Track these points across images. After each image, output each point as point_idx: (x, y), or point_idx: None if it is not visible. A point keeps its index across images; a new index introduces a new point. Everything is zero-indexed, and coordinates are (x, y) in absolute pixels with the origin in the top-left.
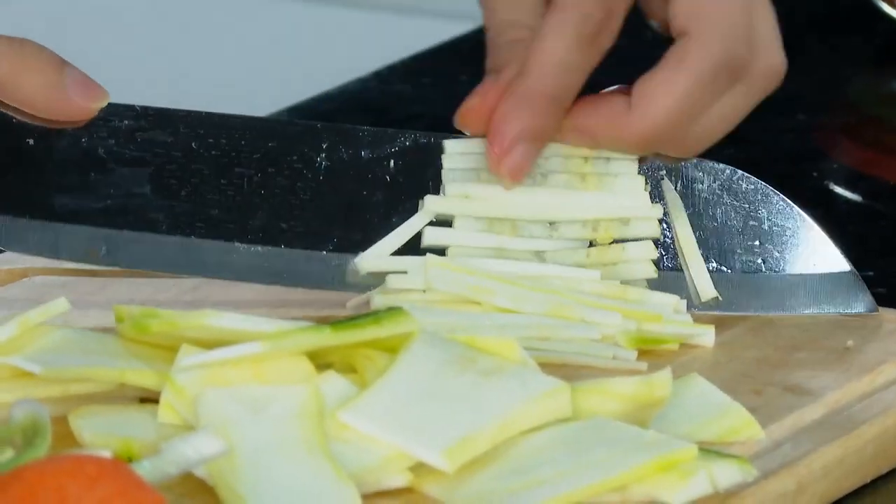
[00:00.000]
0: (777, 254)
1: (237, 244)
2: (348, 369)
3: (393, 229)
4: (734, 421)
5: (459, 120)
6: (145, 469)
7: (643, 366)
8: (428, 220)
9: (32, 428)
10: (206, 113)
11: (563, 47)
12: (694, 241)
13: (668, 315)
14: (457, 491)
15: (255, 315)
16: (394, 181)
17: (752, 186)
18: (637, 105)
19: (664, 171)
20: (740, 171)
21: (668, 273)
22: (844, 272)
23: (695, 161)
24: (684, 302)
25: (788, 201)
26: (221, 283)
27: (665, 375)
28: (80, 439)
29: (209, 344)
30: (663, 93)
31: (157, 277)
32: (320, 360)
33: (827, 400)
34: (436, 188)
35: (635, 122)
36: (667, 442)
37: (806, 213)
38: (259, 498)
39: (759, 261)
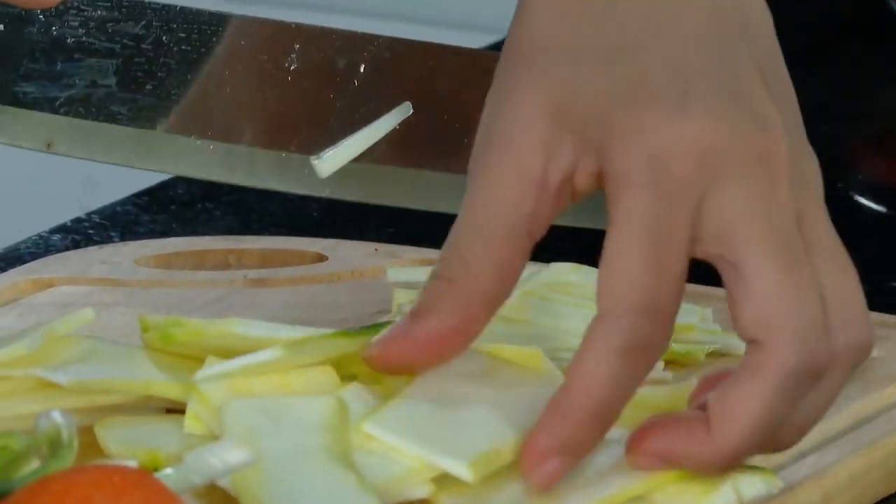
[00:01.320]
0: None
1: (196, 140)
2: (372, 380)
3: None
4: None
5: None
6: (170, 479)
7: (668, 375)
8: (391, 128)
9: (58, 438)
10: (180, 7)
11: (608, 362)
12: None
13: (697, 325)
14: (471, 500)
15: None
16: (363, 87)
17: None
18: (717, 427)
19: None
20: None
21: None
22: None
23: None
24: (709, 310)
25: None
26: (247, 293)
27: (690, 385)
28: (105, 450)
29: (235, 354)
30: (743, 410)
31: (183, 287)
32: (345, 371)
33: (851, 410)
34: (407, 97)
35: (719, 444)
36: None
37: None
38: None
39: None
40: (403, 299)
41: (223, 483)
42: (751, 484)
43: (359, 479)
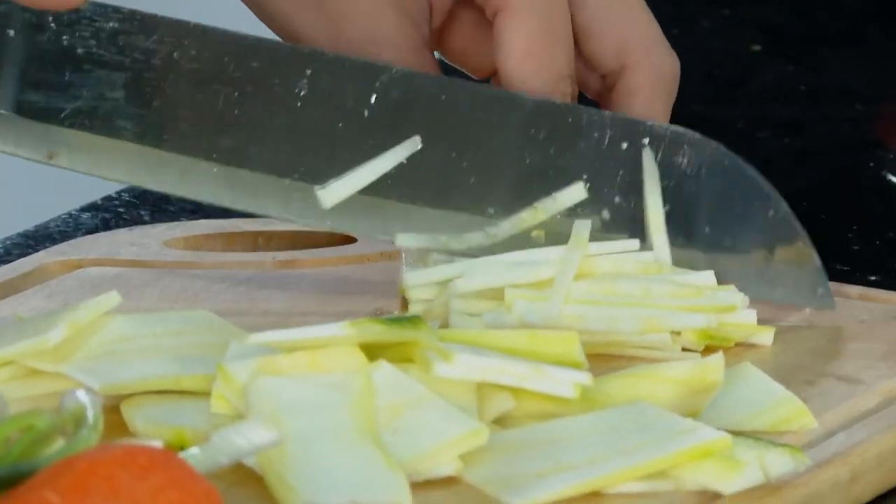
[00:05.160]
0: (743, 236)
1: (201, 161)
2: (400, 359)
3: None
4: (787, 410)
5: None
6: (196, 458)
7: (697, 355)
8: (397, 162)
9: (83, 417)
10: (193, 24)
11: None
12: (662, 215)
13: (740, 306)
14: (493, 475)
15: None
16: (372, 117)
17: (735, 165)
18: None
19: (646, 140)
20: (724, 148)
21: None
22: (812, 267)
23: (680, 131)
24: (747, 297)
25: (769, 185)
26: (276, 274)
27: (717, 359)
28: (132, 429)
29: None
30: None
31: (212, 269)
32: (371, 351)
33: (881, 389)
34: (418, 130)
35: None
36: (702, 430)
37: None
38: (308, 486)
39: (725, 241)
40: (413, 282)
41: (249, 462)
42: (778, 461)
43: (386, 458)
